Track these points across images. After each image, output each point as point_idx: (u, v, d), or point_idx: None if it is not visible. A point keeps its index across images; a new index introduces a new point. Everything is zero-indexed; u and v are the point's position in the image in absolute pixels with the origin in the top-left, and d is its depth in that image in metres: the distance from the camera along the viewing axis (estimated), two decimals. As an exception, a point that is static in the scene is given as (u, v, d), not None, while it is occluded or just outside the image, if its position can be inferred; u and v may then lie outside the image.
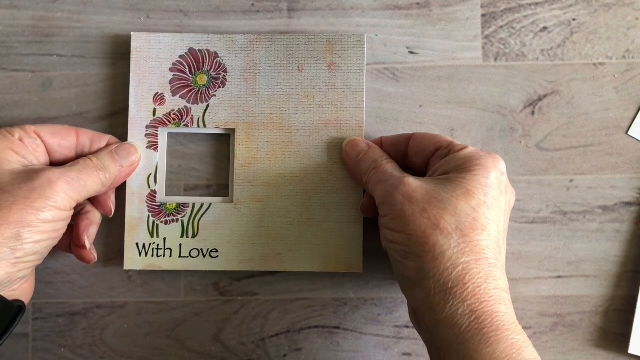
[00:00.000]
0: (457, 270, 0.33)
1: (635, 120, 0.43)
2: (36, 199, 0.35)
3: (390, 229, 0.36)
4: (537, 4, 0.43)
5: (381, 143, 0.41)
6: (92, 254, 0.41)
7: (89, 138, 0.41)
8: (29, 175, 0.36)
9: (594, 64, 0.43)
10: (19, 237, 0.34)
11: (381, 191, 0.37)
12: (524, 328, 0.42)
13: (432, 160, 0.39)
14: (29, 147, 0.38)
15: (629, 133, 0.43)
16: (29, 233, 0.34)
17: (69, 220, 0.38)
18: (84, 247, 0.40)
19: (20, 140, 0.38)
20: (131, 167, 0.41)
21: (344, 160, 0.42)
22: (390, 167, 0.39)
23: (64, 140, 0.40)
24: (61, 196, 0.36)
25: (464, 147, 0.37)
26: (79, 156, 0.41)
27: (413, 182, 0.36)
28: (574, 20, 0.43)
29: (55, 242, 0.37)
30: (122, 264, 0.42)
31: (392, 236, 0.36)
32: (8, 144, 0.37)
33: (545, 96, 0.43)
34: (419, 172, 0.40)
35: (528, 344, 0.32)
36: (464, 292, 0.33)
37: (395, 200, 0.36)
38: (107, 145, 0.41)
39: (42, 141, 0.39)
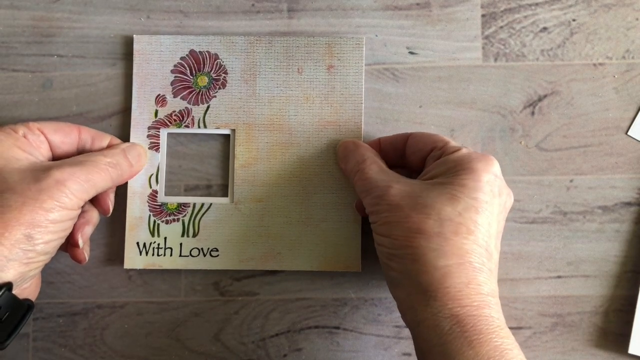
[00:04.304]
0: (438, 273, 0.36)
1: (635, 120, 0.47)
2: (45, 199, 0.38)
3: (378, 234, 0.40)
4: (537, 4, 0.48)
5: (379, 143, 0.45)
6: (84, 254, 0.44)
7: (90, 136, 0.44)
8: (37, 174, 0.38)
9: (594, 64, 0.47)
10: (30, 238, 0.37)
11: (367, 201, 0.41)
12: (524, 328, 0.46)
13: (427, 161, 0.42)
14: (33, 143, 0.41)
15: (628, 133, 0.47)
16: (39, 234, 0.37)
17: (76, 219, 0.41)
18: (76, 245, 0.43)
19: (25, 137, 0.41)
20: (138, 168, 0.45)
21: (338, 163, 0.46)
22: (374, 171, 0.42)
23: (66, 137, 0.43)
24: (69, 197, 0.39)
25: (457, 149, 0.40)
26: (80, 153, 0.44)
27: (397, 192, 0.39)
28: (573, 20, 0.48)
29: (62, 241, 0.41)
30: (122, 263, 0.46)
31: (379, 240, 0.40)
32: (13, 142, 0.40)
33: (545, 96, 0.47)
34: (417, 170, 0.43)
35: (514, 346, 0.35)
36: (445, 295, 0.36)
37: (381, 209, 0.39)
38: (110, 145, 0.45)
39: (46, 137, 0.42)
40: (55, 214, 0.38)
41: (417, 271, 0.37)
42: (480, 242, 0.37)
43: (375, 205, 0.40)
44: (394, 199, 0.39)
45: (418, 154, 0.43)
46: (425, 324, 0.36)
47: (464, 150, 0.40)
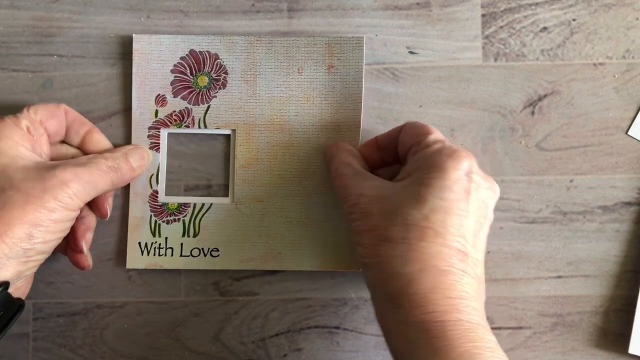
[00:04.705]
0: (401, 281, 0.36)
1: (635, 120, 0.47)
2: (48, 199, 0.38)
3: (355, 242, 0.40)
4: (537, 4, 0.48)
5: (376, 142, 0.45)
6: (87, 260, 0.45)
7: (72, 118, 0.44)
8: (41, 173, 0.39)
9: (594, 64, 0.48)
10: (31, 237, 0.38)
11: (345, 210, 0.41)
12: (524, 328, 0.47)
13: (407, 157, 0.42)
14: (35, 137, 0.41)
15: (629, 133, 0.47)
16: (40, 233, 0.38)
17: (74, 221, 0.42)
18: (81, 252, 0.44)
19: (28, 130, 0.41)
20: (140, 171, 0.46)
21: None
22: (348, 177, 0.42)
23: (58, 121, 0.43)
24: (72, 198, 0.39)
25: (431, 144, 0.39)
26: (68, 137, 0.44)
27: (368, 199, 0.39)
28: (574, 20, 0.48)
29: (59, 241, 0.41)
30: (122, 263, 0.47)
31: (356, 247, 0.40)
32: (18, 139, 0.40)
33: (545, 96, 0.48)
34: None
35: (485, 349, 0.34)
36: (410, 303, 0.35)
37: (355, 217, 0.40)
38: (87, 134, 0.45)
39: (45, 129, 0.42)
40: (57, 214, 0.39)
41: (384, 280, 0.37)
42: (449, 243, 0.36)
43: (350, 214, 0.40)
44: (365, 206, 0.39)
45: (403, 148, 0.43)
46: (394, 332, 0.36)
47: (436, 146, 0.39)
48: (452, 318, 0.34)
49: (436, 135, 0.41)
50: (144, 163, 0.46)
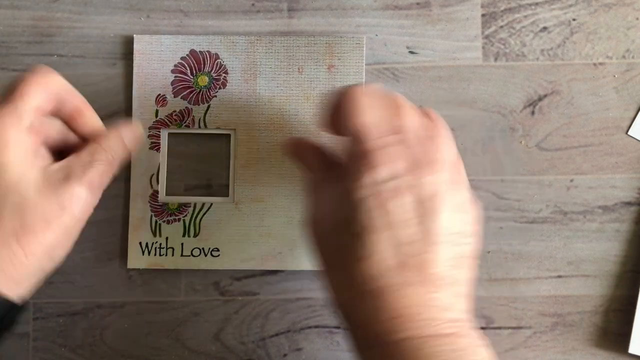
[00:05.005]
0: (344, 307, 0.36)
1: (635, 120, 0.48)
2: (67, 219, 0.37)
3: None
4: (537, 4, 0.48)
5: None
6: None
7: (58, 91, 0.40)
8: (54, 188, 0.37)
9: (594, 64, 0.48)
10: (51, 258, 0.38)
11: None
12: (524, 328, 0.47)
13: None
14: (37, 131, 0.38)
15: (629, 133, 0.48)
16: (58, 251, 0.38)
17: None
18: None
19: (31, 128, 0.37)
20: (134, 148, 0.41)
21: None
22: (310, 188, 0.40)
23: (48, 98, 0.39)
24: (88, 208, 0.38)
25: (347, 151, 0.37)
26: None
27: (316, 218, 0.38)
28: (574, 20, 0.48)
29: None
30: (122, 263, 0.47)
31: None
32: (22, 144, 0.37)
33: (545, 96, 0.48)
34: None
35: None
36: (354, 328, 0.35)
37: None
38: (83, 114, 0.41)
39: (41, 110, 0.38)
40: (75, 229, 0.39)
41: (335, 305, 0.37)
42: (379, 260, 0.34)
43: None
44: (315, 227, 0.38)
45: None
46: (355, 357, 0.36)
47: (345, 156, 0.37)
48: (395, 339, 0.33)
49: (361, 128, 0.35)
50: (137, 136, 0.42)
